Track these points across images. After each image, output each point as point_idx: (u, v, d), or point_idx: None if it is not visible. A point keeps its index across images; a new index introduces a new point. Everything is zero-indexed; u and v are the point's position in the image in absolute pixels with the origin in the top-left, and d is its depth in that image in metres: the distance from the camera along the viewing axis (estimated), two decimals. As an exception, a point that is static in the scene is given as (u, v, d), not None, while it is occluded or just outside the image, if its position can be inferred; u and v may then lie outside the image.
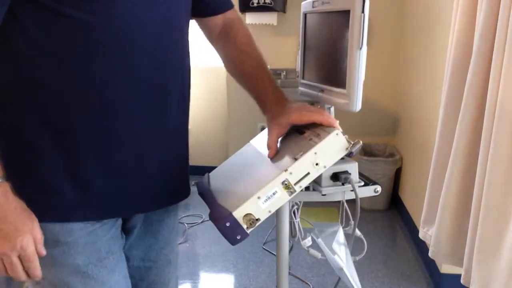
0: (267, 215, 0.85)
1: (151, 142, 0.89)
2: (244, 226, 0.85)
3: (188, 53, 0.97)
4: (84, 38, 0.77)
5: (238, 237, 0.85)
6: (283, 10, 3.09)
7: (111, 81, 0.81)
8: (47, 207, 0.83)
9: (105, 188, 0.86)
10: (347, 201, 1.02)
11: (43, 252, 0.81)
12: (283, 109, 0.98)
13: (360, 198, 0.98)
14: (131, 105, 0.85)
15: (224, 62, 1.10)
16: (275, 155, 0.95)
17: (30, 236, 0.78)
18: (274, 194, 0.84)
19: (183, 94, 0.96)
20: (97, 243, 0.88)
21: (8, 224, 0.76)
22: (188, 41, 0.96)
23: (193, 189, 0.99)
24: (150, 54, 0.85)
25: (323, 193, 0.97)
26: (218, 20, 1.06)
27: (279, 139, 0.97)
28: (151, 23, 0.84)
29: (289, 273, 1.20)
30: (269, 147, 0.95)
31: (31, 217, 0.79)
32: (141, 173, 0.89)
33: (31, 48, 0.77)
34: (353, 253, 1.06)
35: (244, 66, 1.04)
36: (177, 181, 0.99)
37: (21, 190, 0.80)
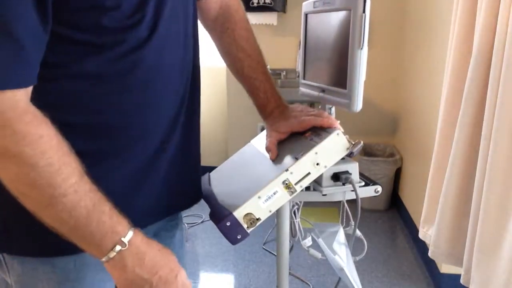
0: (267, 214, 0.85)
1: (168, 154, 0.87)
2: (245, 226, 0.85)
3: (199, 53, 0.93)
4: (131, 66, 0.74)
5: (239, 237, 0.85)
6: (283, 10, 3.09)
7: (144, 105, 0.79)
8: (61, 241, 0.74)
9: (124, 206, 0.83)
10: (347, 201, 1.02)
11: None
12: (282, 116, 0.98)
13: (360, 198, 0.98)
14: (156, 123, 0.82)
15: (220, 54, 1.05)
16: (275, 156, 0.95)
17: (182, 269, 0.74)
18: (274, 193, 0.84)
19: (198, 98, 0.93)
20: (99, 275, 0.83)
21: (163, 269, 0.71)
22: (198, 41, 0.92)
23: (194, 189, 0.99)
24: (178, 74, 0.84)
25: (324, 193, 0.97)
26: (213, 3, 0.99)
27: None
28: (178, 45, 0.82)
29: (289, 273, 1.20)
30: (268, 149, 0.95)
31: (172, 254, 0.75)
32: (157, 185, 0.86)
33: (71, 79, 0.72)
34: (353, 253, 1.06)
35: (243, 65, 1.00)
36: (190, 186, 0.95)
37: (35, 226, 0.72)
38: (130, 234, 0.68)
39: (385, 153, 3.18)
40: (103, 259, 0.68)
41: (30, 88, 0.64)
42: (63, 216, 0.65)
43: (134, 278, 0.69)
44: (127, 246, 0.68)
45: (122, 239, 0.67)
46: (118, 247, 0.67)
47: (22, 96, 0.62)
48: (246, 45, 1.00)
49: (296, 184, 0.86)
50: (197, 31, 0.90)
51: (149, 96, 0.78)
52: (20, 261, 0.79)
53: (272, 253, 2.52)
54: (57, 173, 0.62)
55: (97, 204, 0.66)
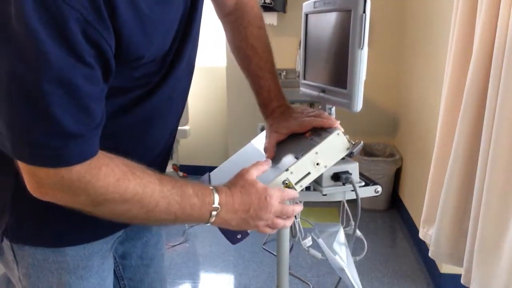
0: (267, 214, 0.85)
1: (159, 158, 0.93)
2: (245, 226, 0.85)
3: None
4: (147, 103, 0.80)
5: (239, 237, 0.85)
6: (283, 10, 3.09)
7: (152, 131, 0.86)
8: (75, 231, 0.84)
9: None
10: (348, 201, 1.02)
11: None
12: (282, 117, 0.99)
13: (361, 198, 0.98)
14: (157, 138, 0.89)
15: (230, 48, 1.07)
16: (275, 156, 0.95)
17: (266, 191, 0.80)
18: (275, 194, 0.84)
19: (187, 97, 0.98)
20: (104, 264, 0.90)
21: (252, 203, 0.79)
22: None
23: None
24: (183, 94, 0.90)
25: (324, 193, 0.97)
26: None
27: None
28: (184, 76, 0.87)
29: (289, 273, 1.20)
30: (266, 150, 0.97)
31: (249, 177, 0.81)
32: None
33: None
34: (353, 253, 1.06)
35: (251, 63, 1.01)
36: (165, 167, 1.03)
37: (47, 217, 0.80)
38: (217, 198, 0.78)
39: (385, 153, 3.18)
40: (208, 224, 0.79)
41: None
42: (163, 216, 0.75)
43: (237, 222, 0.80)
44: (219, 209, 0.78)
45: (213, 206, 0.77)
46: (214, 213, 0.78)
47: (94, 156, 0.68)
48: (257, 43, 1.01)
49: (296, 183, 0.86)
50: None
51: (157, 122, 0.84)
52: (31, 252, 0.82)
53: (272, 253, 2.51)
54: (143, 196, 0.71)
55: (183, 194, 0.75)
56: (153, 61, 0.74)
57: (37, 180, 0.66)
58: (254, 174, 0.82)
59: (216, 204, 0.77)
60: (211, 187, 0.79)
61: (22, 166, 0.66)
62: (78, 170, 0.65)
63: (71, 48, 0.59)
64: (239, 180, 0.81)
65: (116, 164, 0.70)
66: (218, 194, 0.78)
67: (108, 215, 0.72)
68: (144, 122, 0.82)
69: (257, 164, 0.84)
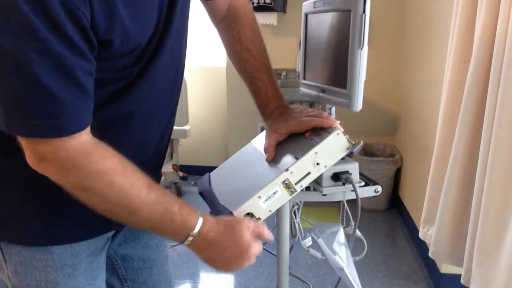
0: (267, 214, 0.86)
1: (152, 151, 0.93)
2: (245, 226, 0.85)
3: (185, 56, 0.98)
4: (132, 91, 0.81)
5: (239, 237, 0.85)
6: (283, 10, 3.09)
7: (141, 113, 0.85)
8: (61, 230, 0.84)
9: None
10: (348, 201, 1.02)
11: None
12: (282, 117, 0.99)
13: (360, 198, 0.98)
14: (146, 139, 0.88)
15: (226, 52, 1.07)
16: (274, 156, 0.95)
17: (250, 243, 0.80)
18: (274, 193, 0.84)
19: (178, 97, 0.97)
20: (94, 263, 0.90)
21: (231, 248, 0.79)
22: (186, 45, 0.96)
23: (194, 188, 1.00)
24: (168, 96, 0.90)
25: (324, 193, 0.97)
26: (221, 4, 1.02)
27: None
28: (173, 64, 0.87)
29: (289, 273, 1.20)
30: (266, 151, 0.97)
31: (244, 225, 0.79)
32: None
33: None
34: (353, 253, 1.06)
35: (246, 65, 1.02)
36: (159, 172, 1.02)
37: (34, 215, 0.81)
38: (199, 224, 0.77)
39: (385, 153, 3.18)
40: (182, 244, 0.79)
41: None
42: (142, 222, 0.77)
43: (209, 256, 0.81)
44: (197, 235, 0.77)
45: (193, 232, 0.77)
46: (190, 238, 0.78)
47: (86, 136, 0.70)
48: (251, 45, 1.02)
49: (296, 184, 0.86)
50: (186, 39, 0.93)
51: (141, 119, 0.84)
52: (19, 250, 0.83)
53: (272, 253, 2.51)
54: (128, 196, 0.72)
55: (167, 208, 0.75)
56: (133, 51, 0.74)
57: (35, 153, 0.68)
58: (250, 227, 0.80)
59: (196, 230, 0.77)
60: (198, 212, 0.79)
61: (21, 140, 0.68)
62: (74, 147, 0.68)
63: (54, 23, 0.61)
64: (234, 223, 0.80)
65: (109, 155, 0.71)
66: (202, 223, 0.78)
67: (90, 202, 0.73)
68: (127, 117, 0.81)
69: (260, 227, 0.82)
